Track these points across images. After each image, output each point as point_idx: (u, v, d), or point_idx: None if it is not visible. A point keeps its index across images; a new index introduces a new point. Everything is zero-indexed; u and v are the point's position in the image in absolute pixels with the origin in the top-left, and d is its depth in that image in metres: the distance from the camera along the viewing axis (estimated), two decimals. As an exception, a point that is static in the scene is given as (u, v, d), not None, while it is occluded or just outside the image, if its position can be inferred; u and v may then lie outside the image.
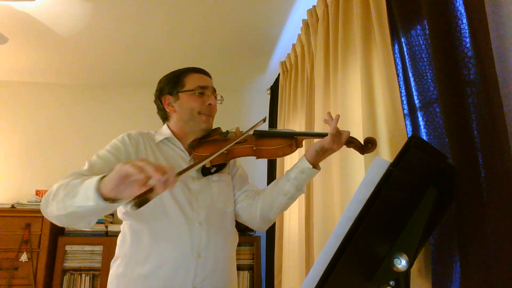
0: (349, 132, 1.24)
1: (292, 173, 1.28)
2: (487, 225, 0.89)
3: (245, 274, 3.34)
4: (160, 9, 2.50)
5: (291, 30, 2.71)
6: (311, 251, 2.10)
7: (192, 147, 1.34)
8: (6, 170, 3.62)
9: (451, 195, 0.99)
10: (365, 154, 1.31)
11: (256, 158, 1.31)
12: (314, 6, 2.26)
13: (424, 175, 0.90)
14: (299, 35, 2.61)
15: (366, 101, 1.51)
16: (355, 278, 0.90)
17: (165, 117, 1.43)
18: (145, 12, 2.54)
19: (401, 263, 0.83)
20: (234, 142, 1.21)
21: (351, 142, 1.26)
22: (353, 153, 1.62)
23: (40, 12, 2.54)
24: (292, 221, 2.58)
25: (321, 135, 1.26)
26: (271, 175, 3.29)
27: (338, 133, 1.20)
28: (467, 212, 0.95)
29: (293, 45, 2.77)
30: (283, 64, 3.11)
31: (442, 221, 1.05)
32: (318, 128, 2.00)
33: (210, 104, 1.35)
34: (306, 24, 2.44)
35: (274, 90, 3.49)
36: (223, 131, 1.38)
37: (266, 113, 3.70)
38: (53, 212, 1.03)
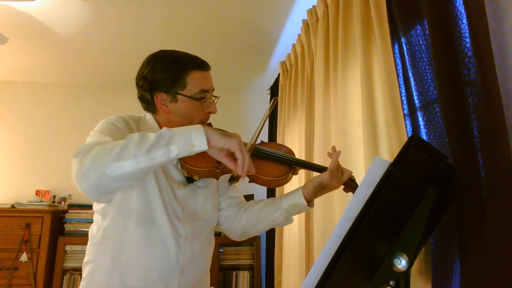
0: (350, 172, 1.20)
1: (285, 204, 1.24)
2: (487, 225, 0.89)
3: (245, 274, 3.34)
4: (160, 9, 2.50)
5: (291, 30, 2.71)
6: (311, 251, 2.10)
7: None
8: (6, 170, 3.62)
9: (451, 195, 0.99)
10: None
11: (248, 182, 1.20)
12: (314, 6, 2.26)
13: (424, 175, 0.90)
14: (299, 35, 2.61)
15: (366, 101, 1.51)
16: (355, 278, 0.90)
17: (150, 110, 1.25)
18: (144, 12, 2.54)
19: (401, 263, 0.83)
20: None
21: (350, 185, 1.22)
22: (353, 153, 1.62)
23: (40, 12, 2.54)
24: (292, 221, 2.57)
25: (321, 169, 1.22)
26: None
27: (338, 169, 1.16)
28: (467, 212, 0.94)
29: (293, 45, 2.77)
30: (283, 64, 3.11)
31: (442, 221, 1.05)
32: (318, 128, 2.00)
33: (209, 112, 1.23)
34: (306, 24, 2.44)
35: (274, 90, 3.49)
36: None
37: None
38: (123, 168, 0.92)
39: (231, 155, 1.00)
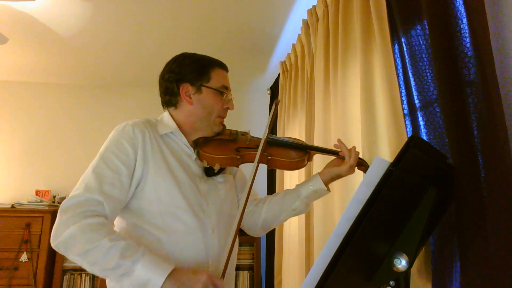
0: (358, 153, 1.27)
1: (304, 191, 1.30)
2: (487, 225, 0.89)
3: (245, 274, 3.34)
4: (160, 9, 2.50)
5: (291, 30, 2.71)
6: (311, 251, 2.10)
7: (198, 144, 1.28)
8: (6, 170, 3.62)
9: (451, 195, 0.99)
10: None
11: (268, 168, 1.28)
12: (314, 6, 2.26)
13: (424, 175, 0.90)
14: (299, 35, 2.61)
15: (366, 101, 1.51)
16: (355, 278, 0.90)
17: (172, 104, 1.31)
18: (144, 12, 2.54)
19: (401, 263, 0.83)
20: (260, 152, 1.19)
21: (361, 164, 1.28)
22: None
23: (40, 12, 2.54)
24: (292, 221, 2.58)
25: (335, 152, 1.28)
26: (271, 183, 3.29)
27: (355, 165, 1.24)
28: (467, 212, 0.95)
29: (293, 45, 2.77)
30: (283, 64, 3.11)
31: (442, 221, 1.05)
32: (318, 128, 2.00)
33: (228, 108, 1.31)
34: (306, 24, 2.44)
35: (274, 90, 3.49)
36: (228, 129, 1.35)
37: (266, 113, 3.70)
38: (81, 264, 1.04)
39: None
